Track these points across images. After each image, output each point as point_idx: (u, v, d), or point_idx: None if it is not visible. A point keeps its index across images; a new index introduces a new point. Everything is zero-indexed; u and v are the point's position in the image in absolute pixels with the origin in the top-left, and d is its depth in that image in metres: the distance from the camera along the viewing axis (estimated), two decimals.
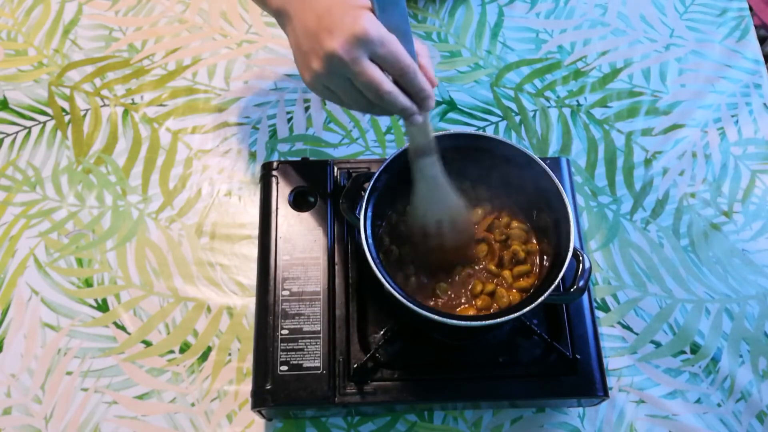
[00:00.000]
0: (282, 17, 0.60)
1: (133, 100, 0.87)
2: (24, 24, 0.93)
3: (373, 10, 0.53)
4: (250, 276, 0.76)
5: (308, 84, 0.57)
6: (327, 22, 0.53)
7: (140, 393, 0.70)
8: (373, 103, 0.56)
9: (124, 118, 0.86)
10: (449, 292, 0.64)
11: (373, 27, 0.51)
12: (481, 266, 0.65)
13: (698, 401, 0.71)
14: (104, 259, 0.77)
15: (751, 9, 0.98)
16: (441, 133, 0.63)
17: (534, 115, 0.87)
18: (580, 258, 0.59)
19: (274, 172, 0.73)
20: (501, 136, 0.66)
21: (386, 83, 0.53)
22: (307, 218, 0.71)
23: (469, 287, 0.64)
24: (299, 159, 0.76)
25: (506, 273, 0.65)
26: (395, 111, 0.56)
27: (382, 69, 0.53)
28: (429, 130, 0.59)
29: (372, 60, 0.53)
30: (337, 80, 0.55)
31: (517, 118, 0.87)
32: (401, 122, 0.86)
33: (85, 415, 0.69)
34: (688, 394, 0.71)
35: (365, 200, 0.61)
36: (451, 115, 0.87)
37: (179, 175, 0.82)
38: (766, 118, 0.88)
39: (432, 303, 0.64)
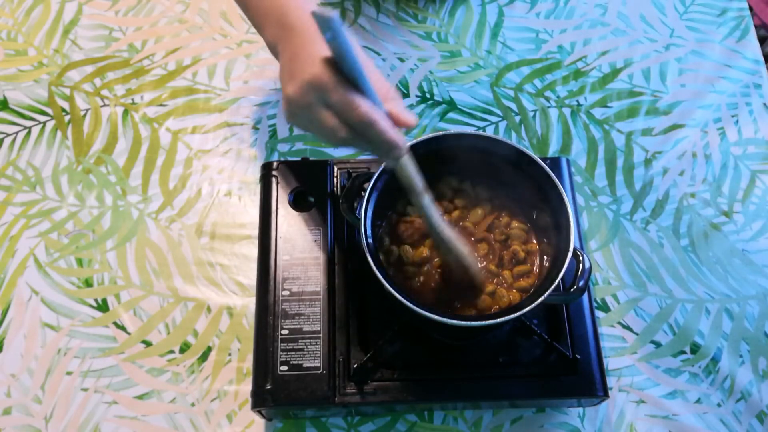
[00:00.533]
0: (275, 51, 0.62)
1: (133, 100, 0.87)
2: (24, 24, 0.93)
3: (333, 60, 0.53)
4: (250, 276, 0.76)
5: (286, 119, 0.59)
6: (291, 66, 0.56)
7: (140, 393, 0.70)
8: (352, 136, 0.56)
9: (124, 118, 0.86)
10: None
11: (326, 74, 0.52)
12: (481, 266, 0.65)
13: (698, 401, 0.71)
14: (104, 259, 0.77)
15: (751, 9, 0.98)
16: (441, 133, 0.63)
17: (534, 115, 0.87)
18: (580, 258, 0.59)
19: (274, 172, 0.73)
20: (501, 136, 0.66)
21: (341, 131, 0.54)
22: (307, 218, 0.71)
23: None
24: (299, 159, 0.76)
25: (506, 273, 0.65)
26: (376, 146, 0.56)
27: (343, 119, 0.54)
28: (409, 173, 0.58)
29: (328, 107, 0.54)
30: (302, 121, 0.57)
31: (517, 118, 0.87)
32: None
33: (85, 415, 0.69)
34: (688, 394, 0.71)
35: (365, 200, 0.61)
36: (451, 115, 0.87)
37: (179, 175, 0.82)
38: (766, 118, 0.88)
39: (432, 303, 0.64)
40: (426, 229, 0.63)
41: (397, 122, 0.56)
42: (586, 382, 0.64)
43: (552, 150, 0.85)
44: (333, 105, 0.53)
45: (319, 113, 0.54)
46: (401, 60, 0.90)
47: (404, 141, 0.56)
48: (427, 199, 0.59)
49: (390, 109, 0.56)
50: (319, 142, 0.60)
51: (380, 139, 0.54)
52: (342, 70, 0.52)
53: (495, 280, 0.65)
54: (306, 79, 0.53)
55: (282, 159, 0.79)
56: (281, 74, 0.58)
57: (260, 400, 0.63)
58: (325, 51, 0.53)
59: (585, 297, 0.68)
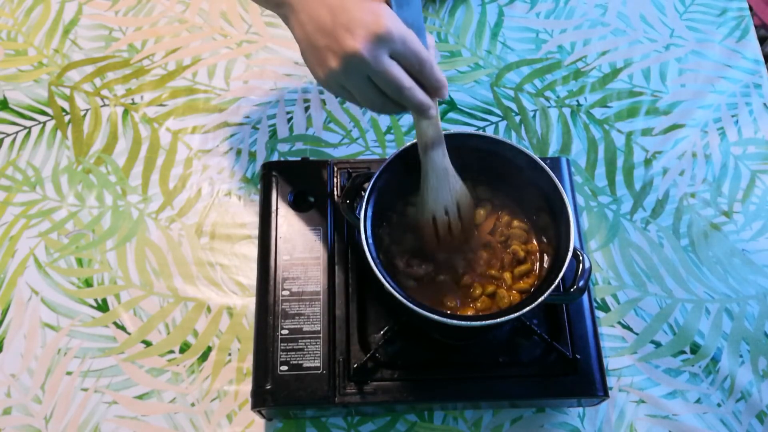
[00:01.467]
0: (284, 9, 0.57)
1: (133, 100, 0.87)
2: (24, 24, 0.93)
3: (388, 3, 0.52)
4: (250, 276, 0.76)
5: (322, 82, 0.55)
6: (343, 18, 0.51)
7: (140, 393, 0.70)
8: (389, 100, 0.55)
9: (124, 118, 0.86)
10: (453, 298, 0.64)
11: (395, 25, 0.50)
12: (483, 271, 0.65)
13: (698, 401, 0.71)
14: (104, 259, 0.77)
15: (751, 9, 0.98)
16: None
17: (534, 115, 0.87)
18: (580, 258, 0.59)
19: (274, 172, 0.73)
20: (501, 136, 0.66)
21: (407, 80, 0.53)
22: (307, 218, 0.71)
23: (470, 290, 0.64)
24: (299, 159, 0.76)
25: (507, 275, 0.65)
26: (411, 106, 0.55)
27: (401, 65, 0.53)
28: (438, 122, 0.59)
29: (392, 57, 0.52)
30: (355, 79, 0.53)
31: (517, 118, 0.87)
32: (400, 120, 0.86)
33: (85, 415, 0.69)
34: (688, 394, 0.71)
35: (365, 200, 0.61)
36: (451, 115, 0.87)
37: (179, 175, 0.82)
38: (766, 118, 0.88)
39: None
40: (435, 182, 0.62)
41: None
42: (586, 382, 0.64)
43: (552, 150, 0.85)
44: (401, 54, 0.51)
45: (388, 65, 0.51)
46: None
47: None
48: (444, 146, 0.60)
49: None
50: (359, 105, 0.56)
51: (436, 80, 0.54)
52: (401, 13, 0.51)
53: (495, 282, 0.65)
54: (377, 32, 0.49)
55: (282, 159, 0.79)
56: (312, 33, 0.53)
57: (260, 400, 0.63)
58: None
59: (585, 297, 0.68)
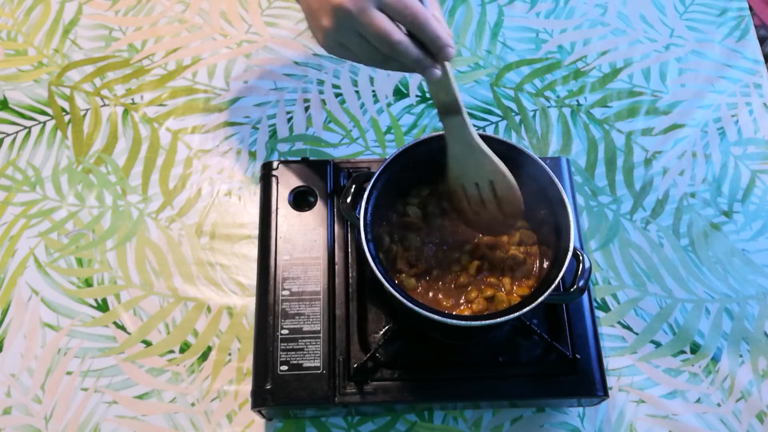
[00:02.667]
0: None
1: (133, 100, 0.87)
2: (24, 24, 0.93)
3: None
4: (250, 276, 0.76)
5: (322, 44, 0.56)
6: None
7: (140, 393, 0.70)
8: (388, 57, 0.54)
9: (124, 118, 0.86)
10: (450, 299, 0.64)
11: None
12: (483, 277, 0.65)
13: (698, 401, 0.71)
14: (104, 259, 0.77)
15: (751, 9, 0.98)
16: (442, 133, 0.63)
17: (534, 115, 0.87)
18: (580, 258, 0.59)
19: (274, 172, 0.73)
20: (501, 136, 0.65)
21: (396, 32, 0.52)
22: (307, 218, 0.71)
23: (469, 291, 0.64)
24: (299, 159, 0.76)
25: (506, 280, 0.64)
26: (409, 63, 0.54)
27: (393, 19, 0.52)
28: (451, 85, 0.56)
29: (381, 10, 0.52)
30: (348, 35, 0.54)
31: (517, 118, 0.87)
32: (400, 120, 0.86)
33: (85, 415, 0.69)
34: (688, 394, 0.71)
35: (365, 200, 0.61)
36: None
37: (179, 175, 0.82)
38: (766, 118, 0.88)
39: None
40: (458, 152, 0.60)
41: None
42: (586, 381, 0.64)
43: (552, 150, 0.85)
44: (387, 5, 0.51)
45: (374, 16, 0.51)
46: None
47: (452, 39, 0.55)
48: (465, 113, 0.58)
49: (434, 13, 0.54)
50: (364, 63, 0.57)
51: (434, 36, 0.53)
52: None
53: (495, 286, 0.64)
54: None
55: (282, 159, 0.79)
56: None
57: (260, 399, 0.63)
58: None
59: (585, 297, 0.68)
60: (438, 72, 0.55)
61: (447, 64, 0.55)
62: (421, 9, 0.52)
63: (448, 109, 0.58)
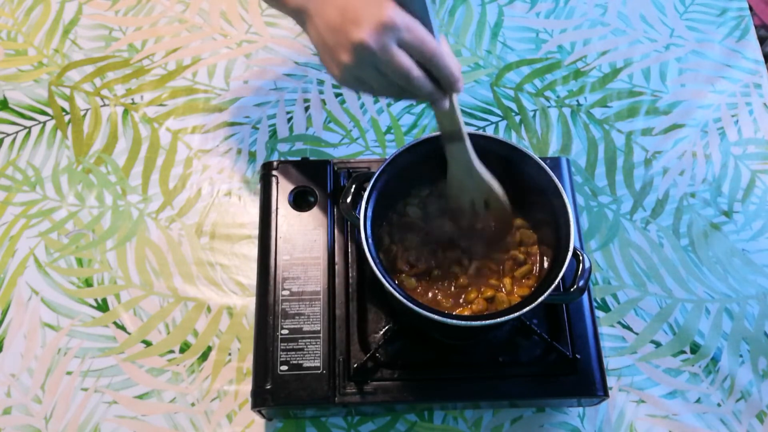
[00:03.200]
0: (302, 16, 0.60)
1: (133, 100, 0.87)
2: (24, 24, 0.93)
3: (394, 0, 0.53)
4: (250, 276, 0.76)
5: (338, 78, 0.57)
6: (351, 14, 0.53)
7: (140, 393, 0.70)
8: (403, 89, 0.56)
9: (124, 118, 0.86)
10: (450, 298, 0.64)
11: (398, 14, 0.52)
12: (483, 278, 0.65)
13: (698, 401, 0.71)
14: (104, 259, 0.77)
15: (751, 9, 0.98)
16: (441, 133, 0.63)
17: (534, 115, 0.87)
18: (580, 258, 0.59)
19: (274, 172, 0.73)
20: (501, 136, 0.66)
21: (414, 69, 0.54)
22: (307, 218, 0.71)
23: (469, 292, 0.64)
24: (299, 159, 0.76)
25: (507, 280, 0.65)
26: (423, 96, 0.56)
27: (410, 55, 0.54)
28: (456, 115, 0.59)
29: (399, 47, 0.53)
30: (367, 70, 0.55)
31: (517, 118, 0.87)
32: (400, 120, 0.86)
33: (85, 415, 0.69)
34: (688, 393, 0.71)
35: (365, 200, 0.61)
36: None
37: (179, 175, 0.82)
38: (766, 118, 0.88)
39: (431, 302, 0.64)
40: (458, 174, 0.64)
41: None
42: (586, 381, 0.64)
43: (552, 150, 0.85)
44: (407, 42, 0.53)
45: (395, 53, 0.53)
46: None
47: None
48: (467, 140, 0.61)
49: (444, 50, 0.56)
50: (378, 95, 0.58)
51: (448, 72, 0.55)
52: (407, 8, 0.53)
53: (495, 287, 0.65)
54: (382, 20, 0.52)
55: (282, 159, 0.79)
56: (325, 34, 0.56)
57: (260, 399, 0.63)
58: None
59: (585, 297, 0.68)
60: (447, 103, 0.57)
61: (454, 95, 0.58)
62: (437, 46, 0.54)
63: (452, 136, 0.61)
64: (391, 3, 0.52)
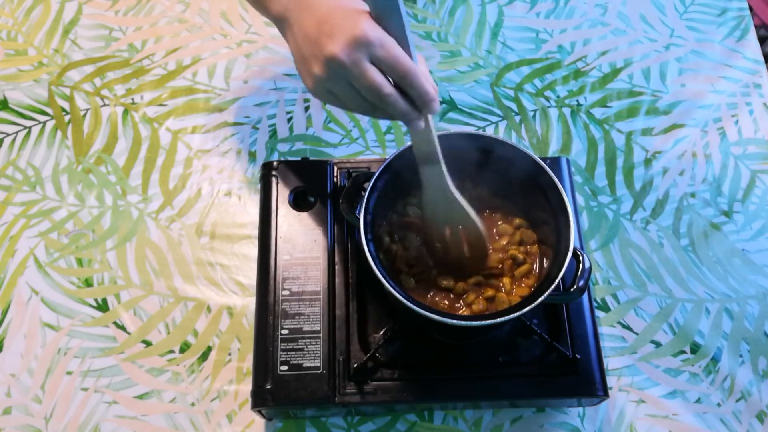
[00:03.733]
0: (282, 24, 0.60)
1: (133, 100, 0.87)
2: (24, 24, 0.93)
3: (372, 16, 0.53)
4: (250, 276, 0.76)
5: (311, 90, 0.57)
6: (327, 27, 0.53)
7: (140, 393, 0.70)
8: (376, 106, 0.56)
9: (124, 118, 0.86)
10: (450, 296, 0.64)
11: (372, 29, 0.52)
12: (483, 274, 0.65)
13: (698, 401, 0.71)
14: (104, 259, 0.77)
15: (751, 9, 0.98)
16: (441, 133, 0.62)
17: (534, 115, 0.87)
18: (580, 258, 0.59)
19: (274, 172, 0.73)
20: (501, 136, 0.66)
21: (386, 86, 0.53)
22: (307, 218, 0.71)
23: (469, 292, 0.64)
24: (299, 159, 0.76)
25: (506, 280, 0.64)
26: (396, 115, 0.56)
27: (383, 72, 0.53)
28: (432, 137, 0.58)
29: (373, 63, 0.53)
30: (339, 84, 0.55)
31: (517, 118, 0.87)
32: (403, 125, 0.86)
33: (85, 415, 0.69)
34: (688, 393, 0.71)
35: (365, 200, 0.61)
36: (451, 115, 0.87)
37: (179, 174, 0.82)
38: (766, 118, 0.88)
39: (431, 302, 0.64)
40: (433, 199, 0.62)
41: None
42: (586, 381, 0.64)
43: (552, 150, 0.85)
44: (380, 59, 0.52)
45: (366, 69, 0.52)
46: None
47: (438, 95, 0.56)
48: (443, 164, 0.59)
49: (422, 70, 0.55)
50: (350, 111, 0.59)
51: (423, 91, 0.54)
52: (384, 25, 0.52)
53: (495, 287, 0.64)
54: (355, 35, 0.51)
55: (282, 159, 0.79)
56: (302, 44, 0.56)
57: (260, 399, 0.63)
58: (363, 6, 0.53)
59: (585, 297, 0.68)
60: (422, 124, 0.56)
61: (429, 116, 0.57)
62: (411, 65, 0.53)
63: (428, 158, 0.59)
64: (368, 19, 0.52)
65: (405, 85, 0.54)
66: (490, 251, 0.65)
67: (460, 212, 0.62)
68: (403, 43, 0.53)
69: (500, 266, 0.65)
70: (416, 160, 0.60)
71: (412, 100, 0.55)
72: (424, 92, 0.54)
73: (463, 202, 0.62)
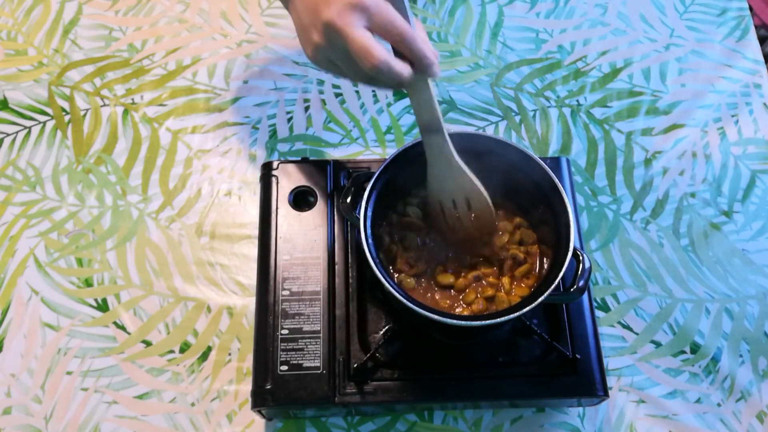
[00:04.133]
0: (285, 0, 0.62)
1: (133, 99, 0.87)
2: (24, 24, 0.93)
3: None
4: (250, 276, 0.76)
5: (311, 58, 0.58)
6: None
7: (140, 393, 0.70)
8: (371, 76, 0.56)
9: (124, 117, 0.86)
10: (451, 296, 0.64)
11: None
12: (482, 277, 0.65)
13: (698, 401, 0.71)
14: (104, 259, 0.77)
15: (751, 9, 0.98)
16: None
17: (534, 115, 0.87)
18: (580, 258, 0.59)
19: (274, 172, 0.73)
20: (501, 136, 0.66)
21: (377, 51, 0.53)
22: (307, 218, 0.71)
23: (469, 292, 0.64)
24: (299, 159, 0.76)
25: (506, 280, 0.64)
26: (390, 83, 0.56)
27: (383, 39, 0.54)
28: (433, 104, 0.57)
29: (371, 30, 0.54)
30: (337, 51, 0.55)
31: (517, 118, 0.87)
32: (400, 120, 0.86)
33: (85, 415, 0.69)
34: (688, 393, 0.71)
35: (365, 200, 0.61)
36: (451, 115, 0.87)
37: (179, 174, 0.82)
38: (766, 118, 0.88)
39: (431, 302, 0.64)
40: (438, 168, 0.62)
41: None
42: (586, 381, 0.64)
43: (552, 150, 0.85)
44: (376, 23, 0.53)
45: (358, 34, 0.53)
46: None
47: (438, 57, 0.56)
48: (446, 132, 0.59)
49: (420, 35, 0.55)
50: (351, 79, 0.60)
51: (421, 55, 0.54)
52: None
53: (495, 287, 0.64)
54: (351, 1, 0.52)
55: (282, 159, 0.79)
56: (302, 13, 0.57)
57: (260, 399, 0.63)
58: None
59: (585, 297, 0.68)
60: (407, 77, 0.55)
61: (430, 83, 0.57)
62: (407, 28, 0.54)
63: (430, 127, 0.59)
64: None
65: (403, 49, 0.54)
66: (498, 224, 0.66)
67: (466, 181, 0.62)
68: (400, 8, 0.53)
69: (503, 256, 0.65)
70: (420, 130, 0.60)
71: (413, 64, 0.55)
72: (423, 56, 0.54)
73: (467, 171, 0.62)
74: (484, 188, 0.63)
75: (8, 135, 0.85)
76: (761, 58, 0.92)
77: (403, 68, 0.55)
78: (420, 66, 0.55)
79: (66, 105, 0.87)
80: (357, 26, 0.53)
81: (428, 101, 0.57)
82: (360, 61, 0.54)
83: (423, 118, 0.59)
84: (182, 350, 0.72)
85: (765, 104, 0.89)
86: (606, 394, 0.64)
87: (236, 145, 0.84)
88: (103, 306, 0.74)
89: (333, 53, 0.56)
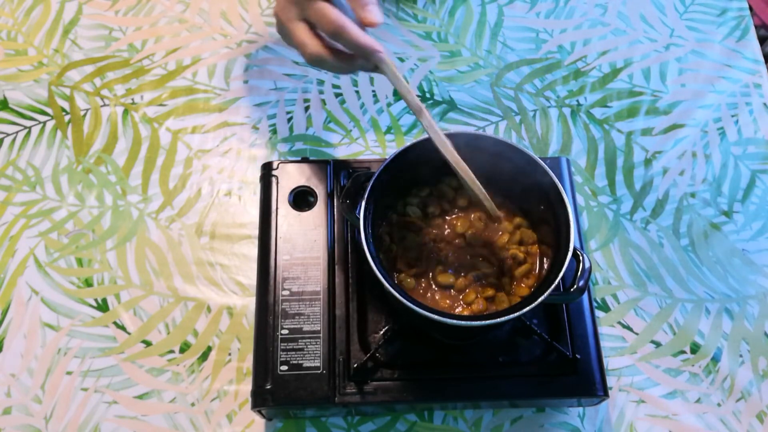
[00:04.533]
0: None
1: (133, 99, 0.87)
2: (24, 24, 0.93)
3: None
4: (250, 276, 0.76)
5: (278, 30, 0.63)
6: None
7: (140, 393, 0.70)
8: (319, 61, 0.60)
9: (124, 117, 0.86)
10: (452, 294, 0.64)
11: None
12: (482, 278, 0.65)
13: (698, 401, 0.71)
14: (104, 259, 0.77)
15: (751, 9, 0.98)
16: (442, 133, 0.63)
17: (534, 115, 0.87)
18: (580, 258, 0.59)
19: (274, 172, 0.73)
20: (501, 136, 0.66)
21: (309, 45, 0.57)
22: (307, 218, 0.71)
23: (469, 292, 0.64)
24: (299, 159, 0.76)
25: (505, 280, 0.64)
26: (340, 71, 0.60)
27: (321, 30, 0.57)
28: (401, 89, 0.59)
29: (307, 23, 0.57)
30: (289, 40, 0.60)
31: (517, 118, 0.87)
32: (400, 120, 0.86)
33: (85, 415, 0.69)
34: (688, 393, 0.71)
35: (365, 200, 0.61)
36: (451, 114, 0.87)
37: (179, 174, 0.82)
38: (766, 118, 0.88)
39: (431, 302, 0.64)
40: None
41: (363, 23, 0.57)
42: (586, 381, 0.64)
43: (552, 150, 0.85)
44: (310, 17, 0.56)
45: (295, 27, 0.57)
46: (401, 60, 0.90)
47: (377, 44, 0.57)
48: (426, 111, 0.60)
49: (357, 14, 0.57)
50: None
51: (355, 46, 0.56)
52: None
53: (495, 287, 0.64)
54: None
55: (282, 159, 0.79)
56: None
57: (260, 399, 0.63)
58: None
59: (585, 297, 0.68)
60: (365, 65, 0.58)
61: (391, 69, 0.58)
62: (341, 21, 0.55)
63: (412, 109, 0.61)
64: None
65: (339, 41, 0.56)
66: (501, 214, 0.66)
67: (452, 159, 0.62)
68: (338, 3, 0.55)
69: (503, 256, 0.65)
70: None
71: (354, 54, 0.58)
72: (358, 45, 0.56)
73: (451, 148, 0.61)
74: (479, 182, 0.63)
75: (8, 135, 0.85)
76: (761, 58, 0.92)
77: (339, 59, 0.58)
78: (362, 55, 0.57)
79: (66, 105, 0.87)
80: (293, 20, 0.57)
81: (398, 86, 0.59)
82: (299, 52, 0.58)
83: (406, 102, 0.61)
84: (182, 350, 0.72)
85: (765, 104, 0.89)
86: (606, 394, 0.64)
87: (236, 145, 0.84)
88: (103, 306, 0.74)
89: (288, 42, 0.61)
